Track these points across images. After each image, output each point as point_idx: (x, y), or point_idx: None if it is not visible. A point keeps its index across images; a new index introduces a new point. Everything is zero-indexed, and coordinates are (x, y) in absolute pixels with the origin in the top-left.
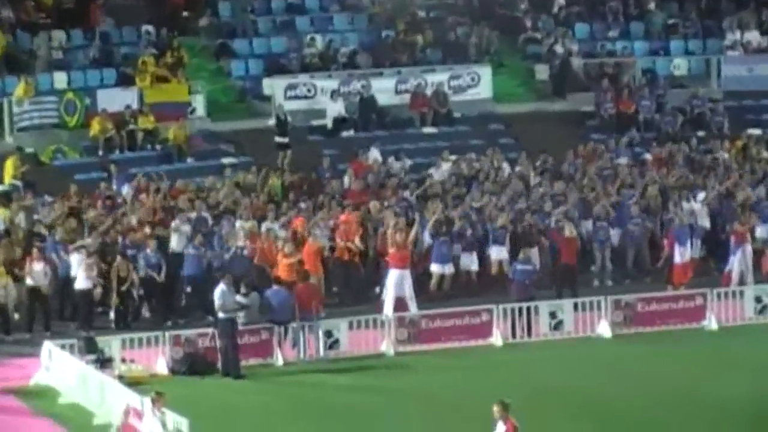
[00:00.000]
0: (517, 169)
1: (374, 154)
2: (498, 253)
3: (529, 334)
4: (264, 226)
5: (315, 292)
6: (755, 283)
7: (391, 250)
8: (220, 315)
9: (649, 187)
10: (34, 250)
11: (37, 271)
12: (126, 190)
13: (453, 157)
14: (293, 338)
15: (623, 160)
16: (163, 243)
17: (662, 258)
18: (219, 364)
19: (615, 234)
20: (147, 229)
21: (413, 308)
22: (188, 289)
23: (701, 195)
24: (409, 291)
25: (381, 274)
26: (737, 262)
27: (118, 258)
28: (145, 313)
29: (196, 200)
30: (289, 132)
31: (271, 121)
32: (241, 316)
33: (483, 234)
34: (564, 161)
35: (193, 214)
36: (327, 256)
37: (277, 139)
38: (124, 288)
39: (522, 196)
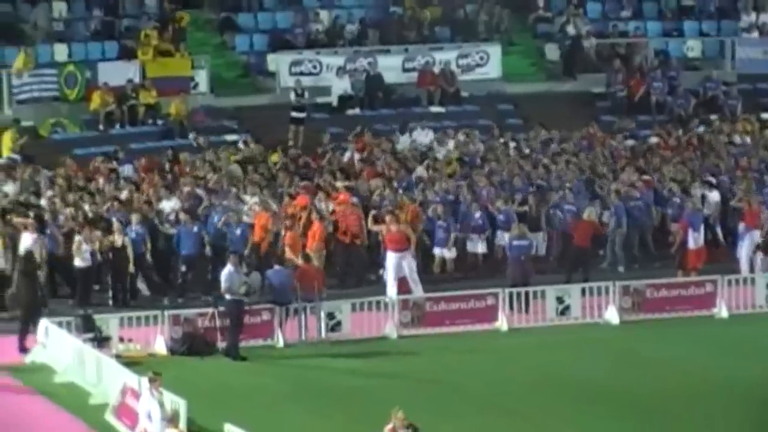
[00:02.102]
0: (526, 150)
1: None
2: (504, 238)
3: (526, 310)
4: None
5: (317, 273)
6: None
7: (387, 233)
8: (227, 296)
9: (661, 170)
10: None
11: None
12: (128, 170)
13: (460, 137)
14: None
15: (632, 143)
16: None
17: (675, 243)
18: (220, 345)
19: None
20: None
21: (417, 290)
22: (183, 268)
23: (712, 179)
24: (410, 272)
25: (383, 256)
26: (745, 248)
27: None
28: (144, 290)
29: (189, 177)
30: (306, 108)
31: (292, 96)
32: (246, 299)
33: (490, 217)
34: (572, 141)
35: (186, 189)
36: (329, 234)
37: (293, 114)
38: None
39: (531, 178)
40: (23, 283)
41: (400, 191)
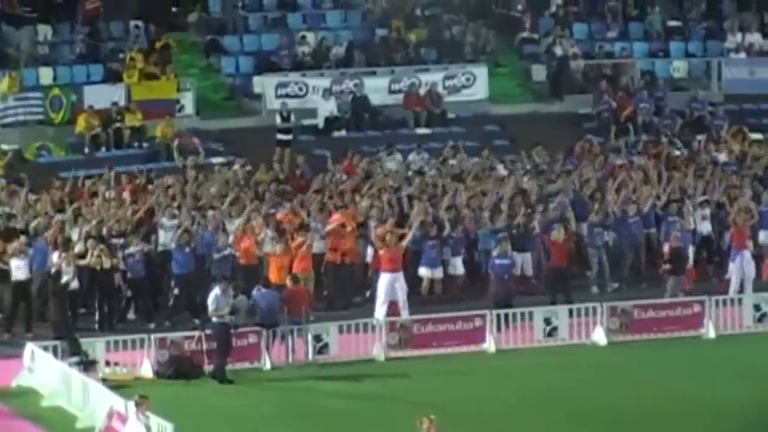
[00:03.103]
0: (511, 170)
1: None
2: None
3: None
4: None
5: (305, 295)
6: (755, 290)
7: (381, 252)
8: (214, 319)
9: (648, 190)
10: (16, 244)
11: (17, 266)
12: (115, 192)
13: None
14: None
15: (620, 161)
16: (147, 240)
17: (664, 264)
18: (207, 368)
19: (611, 238)
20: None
21: (405, 313)
22: (176, 291)
23: (701, 198)
24: (402, 295)
25: (373, 277)
26: (736, 269)
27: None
28: (131, 315)
29: (184, 197)
30: (292, 130)
31: (277, 119)
32: (232, 319)
33: (471, 237)
34: (559, 161)
35: (182, 211)
36: (318, 254)
37: (279, 136)
38: (111, 283)
39: (516, 198)
40: (52, 302)
41: (388, 212)
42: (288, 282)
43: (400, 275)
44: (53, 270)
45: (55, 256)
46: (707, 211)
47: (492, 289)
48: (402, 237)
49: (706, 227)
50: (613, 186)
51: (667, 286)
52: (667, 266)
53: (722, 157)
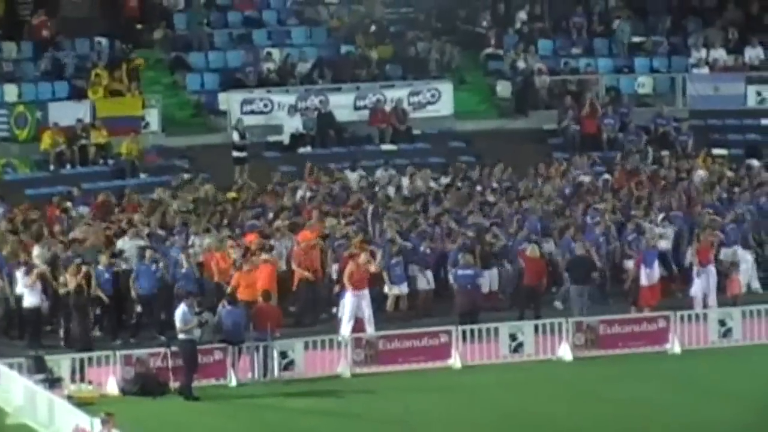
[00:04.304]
0: (478, 187)
1: (353, 175)
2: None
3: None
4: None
5: (273, 312)
6: (719, 306)
7: (355, 270)
8: (181, 336)
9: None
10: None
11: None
12: (82, 210)
13: (410, 172)
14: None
15: (586, 179)
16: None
17: (628, 280)
18: (173, 385)
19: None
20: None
21: (370, 330)
22: (138, 308)
23: (663, 215)
24: (368, 312)
25: (338, 294)
26: (700, 284)
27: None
28: (96, 331)
29: (151, 215)
30: (248, 147)
31: (235, 136)
32: (196, 334)
33: (440, 253)
34: (525, 179)
35: (147, 230)
36: (283, 271)
37: (235, 153)
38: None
39: (483, 215)
40: (75, 317)
41: (354, 229)
42: (259, 298)
43: (366, 292)
44: (75, 285)
45: (19, 275)
46: (668, 228)
47: (457, 300)
48: (372, 256)
49: (665, 244)
50: (579, 202)
51: (570, 296)
52: (566, 275)
53: (684, 174)
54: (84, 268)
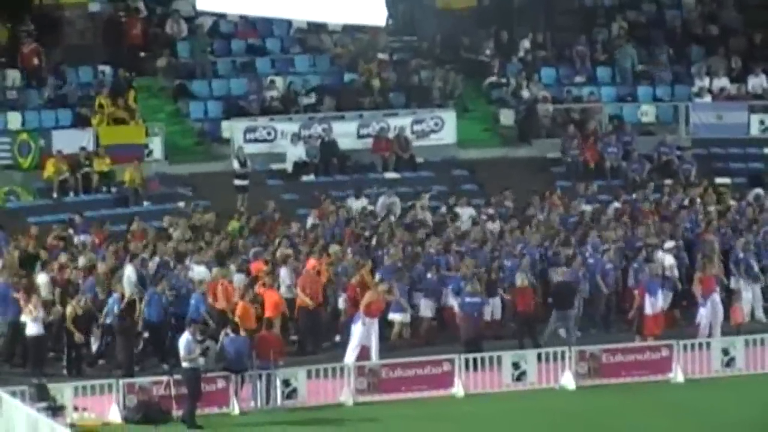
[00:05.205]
0: (482, 216)
1: (355, 203)
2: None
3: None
4: (221, 270)
5: (276, 341)
6: (722, 334)
7: (371, 300)
8: (184, 364)
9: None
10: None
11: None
12: (84, 238)
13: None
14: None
15: (589, 208)
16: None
17: (633, 309)
18: (176, 413)
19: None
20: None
21: (375, 357)
22: (146, 335)
23: (669, 244)
24: (375, 340)
25: (342, 322)
26: (705, 313)
27: (73, 301)
28: (100, 360)
29: (157, 243)
30: (249, 175)
31: (235, 164)
32: (201, 362)
33: (441, 281)
34: (528, 207)
35: (156, 258)
36: (287, 299)
37: (236, 182)
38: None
39: (486, 244)
40: (119, 341)
41: (358, 257)
42: (264, 327)
43: (376, 321)
44: (119, 309)
45: (22, 303)
46: (674, 257)
47: (462, 328)
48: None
49: (673, 272)
50: (583, 232)
51: (550, 321)
52: (549, 299)
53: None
54: (128, 295)
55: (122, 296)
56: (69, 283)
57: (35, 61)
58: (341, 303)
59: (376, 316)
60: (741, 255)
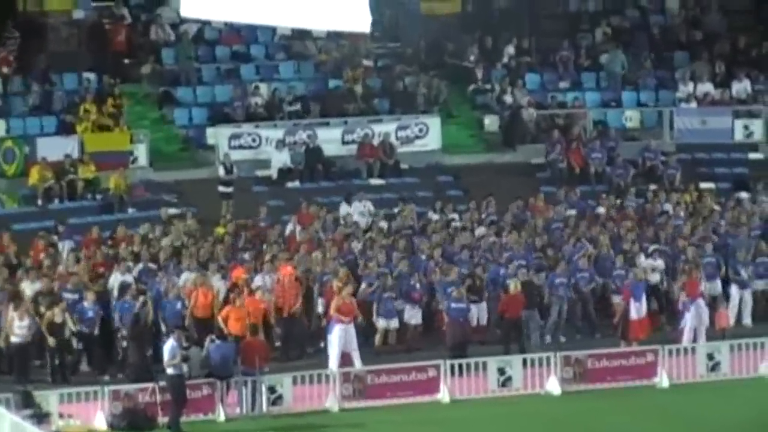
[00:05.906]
0: (466, 221)
1: (346, 209)
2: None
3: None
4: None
5: (261, 347)
6: (707, 339)
7: (338, 304)
8: (169, 371)
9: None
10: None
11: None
12: (68, 245)
13: (398, 208)
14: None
15: (573, 212)
16: (103, 295)
17: (617, 314)
18: (161, 420)
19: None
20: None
21: (357, 363)
22: (124, 343)
23: (653, 248)
24: (355, 346)
25: (325, 328)
26: (690, 318)
27: (56, 307)
28: (84, 366)
29: (141, 250)
30: (234, 182)
31: (221, 171)
32: (184, 368)
33: (430, 288)
34: (512, 212)
35: (140, 266)
36: (269, 301)
37: (221, 188)
38: (62, 336)
39: (472, 249)
40: (131, 347)
41: (340, 263)
42: (247, 333)
43: (352, 326)
44: (132, 315)
45: (9, 309)
46: (658, 261)
47: (448, 333)
48: (356, 289)
49: (655, 277)
50: (567, 237)
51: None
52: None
53: (669, 208)
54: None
55: (96, 304)
56: (51, 291)
57: (4, 69)
58: (320, 308)
59: (349, 318)
60: (712, 260)
